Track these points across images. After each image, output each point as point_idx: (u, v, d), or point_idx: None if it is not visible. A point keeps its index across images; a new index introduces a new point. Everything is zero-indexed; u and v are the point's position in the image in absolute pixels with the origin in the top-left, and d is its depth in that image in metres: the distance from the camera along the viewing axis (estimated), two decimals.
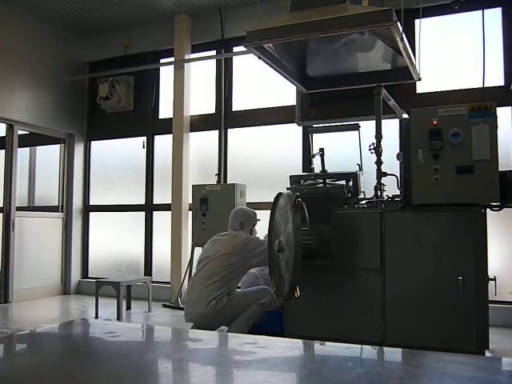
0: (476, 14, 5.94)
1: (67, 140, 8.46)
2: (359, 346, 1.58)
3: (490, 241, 4.11)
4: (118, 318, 6.13)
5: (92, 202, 8.63)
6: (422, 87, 6.22)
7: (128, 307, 6.82)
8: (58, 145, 8.50)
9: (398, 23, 3.97)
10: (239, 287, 5.01)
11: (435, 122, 4.06)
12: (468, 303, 3.95)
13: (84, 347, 1.66)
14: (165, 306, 7.07)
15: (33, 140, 8.41)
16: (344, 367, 1.40)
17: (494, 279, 4.12)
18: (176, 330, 2.41)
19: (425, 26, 5.45)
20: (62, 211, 8.39)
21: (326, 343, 1.65)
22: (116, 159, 8.51)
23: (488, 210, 4.23)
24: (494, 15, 5.99)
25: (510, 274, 5.76)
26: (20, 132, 7.66)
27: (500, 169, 3.98)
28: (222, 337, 2.03)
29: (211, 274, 4.59)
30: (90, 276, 8.47)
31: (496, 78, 5.94)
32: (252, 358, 1.47)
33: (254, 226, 5.05)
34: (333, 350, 1.62)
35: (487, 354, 4.19)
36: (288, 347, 1.64)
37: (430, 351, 1.52)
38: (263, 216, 5.03)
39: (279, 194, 4.26)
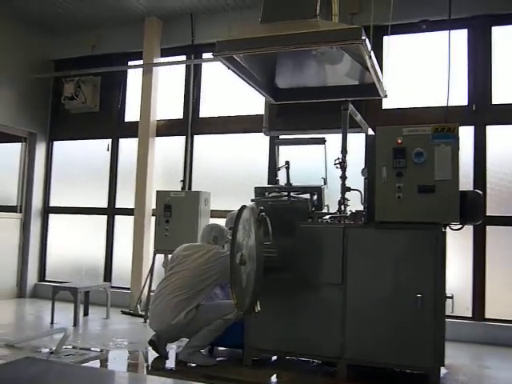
0: (443, 34, 6.05)
1: (29, 139, 8.23)
2: None
3: (447, 258, 4.18)
4: (75, 325, 5.98)
5: (52, 204, 8.41)
6: (388, 103, 6.29)
7: (85, 313, 6.65)
8: (19, 143, 8.26)
9: (367, 41, 4.01)
10: None
11: (400, 141, 4.12)
12: (426, 320, 4.01)
13: None
14: (124, 312, 6.93)
15: None
16: None
17: (452, 297, 4.20)
18: (133, 377, 2.29)
19: (393, 43, 5.53)
20: (21, 212, 8.16)
21: None
22: (79, 161, 8.30)
23: (448, 228, 4.32)
24: (460, 36, 6.12)
25: (466, 290, 5.88)
26: None
27: (461, 187, 4.08)
28: None
29: (182, 285, 4.46)
30: (47, 279, 8.24)
31: (460, 98, 6.07)
32: None
33: (227, 242, 4.92)
34: None
35: (443, 370, 4.26)
36: None
37: None
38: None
39: (243, 207, 4.23)
